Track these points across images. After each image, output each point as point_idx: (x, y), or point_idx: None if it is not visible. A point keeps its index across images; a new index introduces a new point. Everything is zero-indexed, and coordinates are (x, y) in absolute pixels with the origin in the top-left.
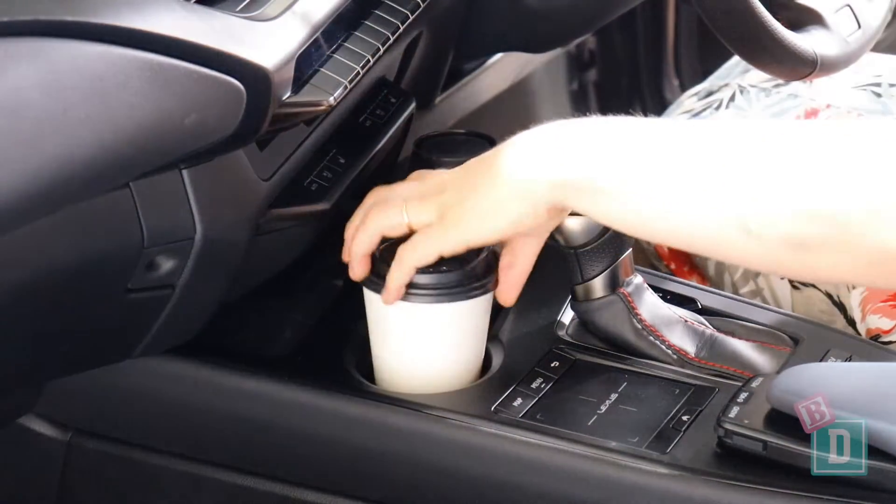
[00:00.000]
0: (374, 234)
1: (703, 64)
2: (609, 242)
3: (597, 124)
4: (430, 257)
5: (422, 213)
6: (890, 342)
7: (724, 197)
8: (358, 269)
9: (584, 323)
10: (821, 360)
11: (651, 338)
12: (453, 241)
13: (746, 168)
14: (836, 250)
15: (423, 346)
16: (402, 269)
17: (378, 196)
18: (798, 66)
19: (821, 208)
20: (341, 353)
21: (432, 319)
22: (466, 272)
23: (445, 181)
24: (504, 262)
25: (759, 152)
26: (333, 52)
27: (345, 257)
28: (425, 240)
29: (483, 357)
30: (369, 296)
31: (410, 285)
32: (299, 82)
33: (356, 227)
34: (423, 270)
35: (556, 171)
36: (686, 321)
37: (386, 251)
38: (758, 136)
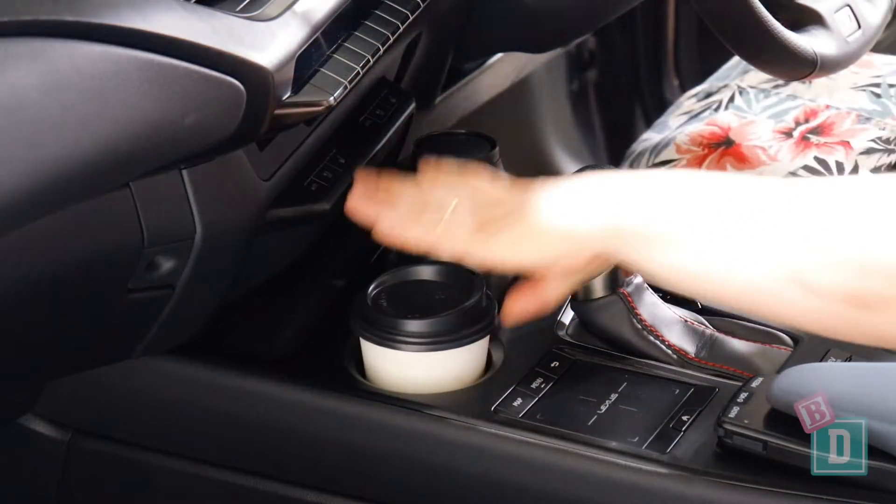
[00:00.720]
0: (399, 225)
1: (703, 64)
2: None
3: (645, 176)
4: (453, 256)
5: (463, 222)
6: None
7: (780, 250)
8: (358, 207)
9: (584, 323)
10: (821, 360)
11: (651, 338)
12: (481, 257)
13: (802, 221)
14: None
15: (419, 384)
16: (422, 243)
17: (426, 192)
18: (798, 66)
19: (879, 262)
20: (341, 353)
21: (427, 365)
22: (460, 318)
23: (494, 199)
24: (525, 287)
25: (814, 205)
26: (333, 52)
27: (354, 200)
28: (457, 241)
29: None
30: (365, 343)
31: (403, 333)
32: (299, 82)
33: (386, 197)
34: (416, 317)
35: (607, 217)
36: (686, 321)
37: (382, 298)
38: (812, 190)
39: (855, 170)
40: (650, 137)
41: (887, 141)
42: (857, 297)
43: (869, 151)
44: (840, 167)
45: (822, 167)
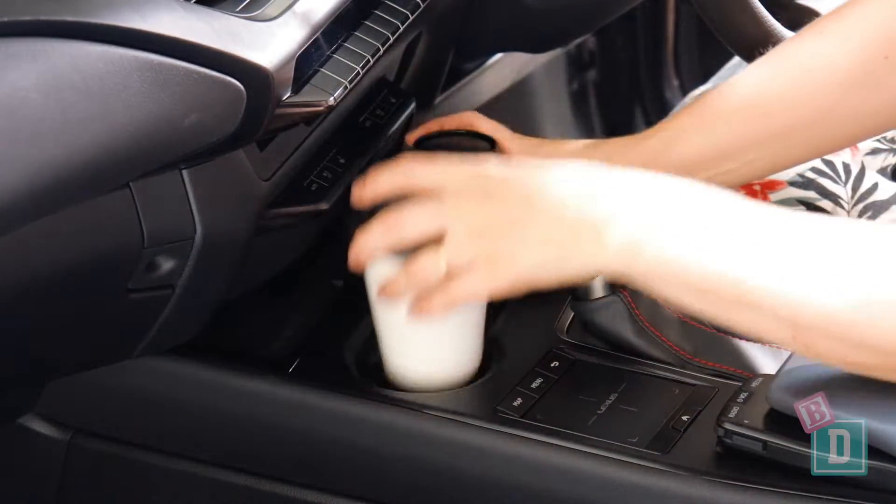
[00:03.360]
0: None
1: (703, 64)
2: None
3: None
4: (479, 297)
5: (462, 255)
6: None
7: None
8: (360, 259)
9: (584, 323)
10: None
11: (651, 338)
12: (505, 284)
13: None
14: None
15: (421, 344)
16: (446, 298)
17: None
18: None
19: None
20: (341, 353)
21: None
22: None
23: (489, 215)
24: None
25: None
26: (333, 52)
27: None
28: (474, 280)
29: (482, 350)
30: (373, 298)
31: None
32: (299, 82)
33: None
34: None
35: (634, 205)
36: (686, 321)
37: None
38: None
39: (862, 171)
40: None
41: (892, 140)
42: None
43: (875, 152)
44: (847, 168)
45: (828, 168)
